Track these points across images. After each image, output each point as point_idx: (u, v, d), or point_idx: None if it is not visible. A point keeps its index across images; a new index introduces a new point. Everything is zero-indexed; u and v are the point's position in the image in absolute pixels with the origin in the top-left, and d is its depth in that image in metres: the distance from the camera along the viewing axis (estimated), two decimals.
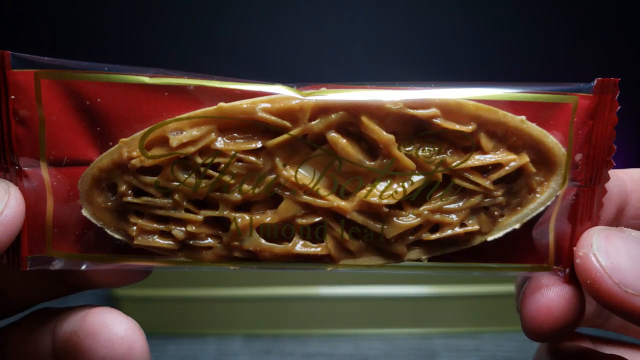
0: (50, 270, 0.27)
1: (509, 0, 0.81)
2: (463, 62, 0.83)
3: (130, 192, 0.25)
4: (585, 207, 0.26)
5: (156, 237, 0.26)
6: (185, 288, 0.80)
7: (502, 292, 0.74)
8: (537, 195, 0.26)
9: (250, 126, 0.25)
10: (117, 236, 0.26)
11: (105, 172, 0.25)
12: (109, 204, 0.26)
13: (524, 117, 0.25)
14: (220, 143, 0.25)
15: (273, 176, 0.25)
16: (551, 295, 0.26)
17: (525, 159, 0.25)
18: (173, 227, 0.26)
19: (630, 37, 0.82)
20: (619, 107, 0.25)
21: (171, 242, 0.26)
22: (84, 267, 0.26)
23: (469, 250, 0.26)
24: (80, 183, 0.25)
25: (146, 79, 0.24)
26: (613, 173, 0.28)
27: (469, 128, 0.25)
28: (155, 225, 0.26)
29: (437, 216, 0.25)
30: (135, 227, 0.26)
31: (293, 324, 0.78)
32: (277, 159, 0.25)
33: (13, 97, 0.24)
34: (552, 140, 0.25)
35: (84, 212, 0.26)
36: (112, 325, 0.25)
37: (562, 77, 0.27)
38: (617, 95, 0.25)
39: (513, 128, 0.25)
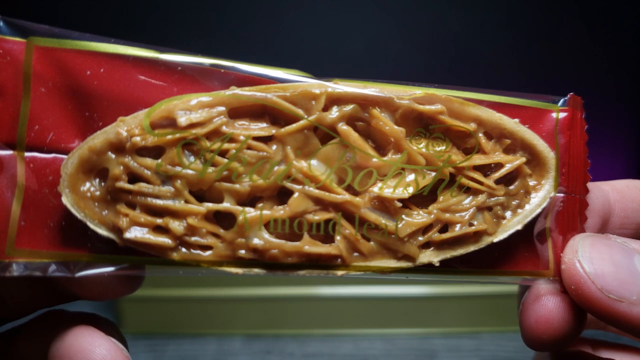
0: (38, 279, 0.23)
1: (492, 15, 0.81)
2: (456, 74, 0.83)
3: (124, 176, 0.22)
4: (571, 214, 0.27)
5: (148, 232, 0.23)
6: (185, 288, 0.80)
7: (502, 292, 0.74)
8: (533, 197, 0.27)
9: (262, 113, 0.24)
10: (101, 231, 0.22)
11: (96, 154, 0.22)
12: (96, 192, 0.22)
13: (517, 120, 0.26)
14: (230, 127, 0.23)
15: (284, 167, 0.24)
16: (550, 305, 0.26)
17: (521, 159, 0.26)
18: (170, 220, 0.23)
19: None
20: (587, 126, 0.28)
21: (166, 239, 0.23)
22: (50, 271, 0.22)
23: (476, 255, 0.26)
24: (64, 165, 0.22)
25: (159, 55, 0.22)
26: (595, 185, 0.29)
27: (471, 126, 0.25)
28: (149, 217, 0.23)
29: (447, 215, 0.25)
30: (126, 219, 0.22)
31: (293, 324, 0.78)
32: (289, 147, 0.24)
33: None
34: (542, 144, 0.26)
35: (64, 200, 0.22)
36: (90, 350, 0.23)
37: (558, 87, 0.29)
38: (583, 114, 0.27)
39: (508, 130, 0.26)
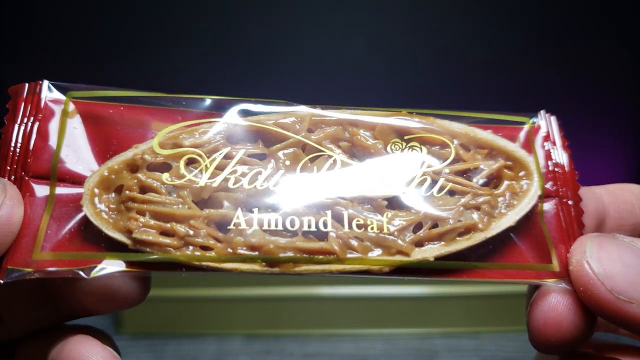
0: (41, 295, 0.26)
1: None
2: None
3: (136, 188, 0.26)
4: (568, 218, 0.28)
5: (156, 234, 0.25)
6: (185, 288, 0.80)
7: (502, 292, 0.74)
8: (521, 196, 0.28)
9: (256, 138, 0.28)
10: (114, 235, 0.25)
11: (114, 173, 0.26)
12: (112, 205, 0.26)
13: (490, 131, 0.29)
14: (228, 147, 0.27)
15: (275, 176, 0.27)
16: (560, 307, 0.26)
17: (501, 162, 0.29)
18: (175, 224, 0.26)
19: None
20: (568, 141, 0.30)
21: (172, 240, 0.25)
22: (71, 274, 0.24)
23: (473, 250, 0.27)
24: (87, 182, 0.26)
25: (165, 93, 0.27)
26: (588, 189, 0.30)
27: (445, 137, 0.28)
28: (156, 222, 0.26)
29: (435, 212, 0.27)
30: (136, 222, 0.25)
31: (293, 324, 0.78)
32: (280, 161, 0.27)
33: (41, 116, 0.26)
34: (518, 149, 0.29)
35: (85, 210, 0.25)
36: (88, 357, 0.24)
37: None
38: (563, 132, 0.30)
39: (483, 140, 0.29)
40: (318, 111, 0.28)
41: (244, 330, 0.79)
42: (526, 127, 0.30)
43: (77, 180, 0.26)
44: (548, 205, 0.28)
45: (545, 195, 0.28)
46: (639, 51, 0.83)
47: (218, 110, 0.28)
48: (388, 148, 0.28)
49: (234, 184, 0.26)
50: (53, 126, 0.26)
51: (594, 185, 0.32)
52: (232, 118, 0.27)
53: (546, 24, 0.82)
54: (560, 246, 0.27)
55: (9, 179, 0.26)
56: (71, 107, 0.27)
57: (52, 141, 0.26)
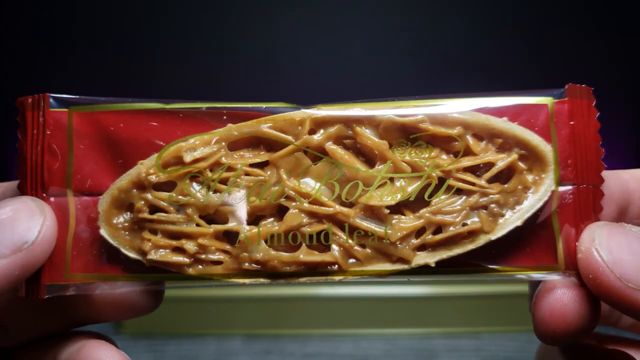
0: (52, 305, 0.27)
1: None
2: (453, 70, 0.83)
3: (146, 208, 0.27)
4: (584, 206, 0.27)
5: (168, 252, 0.27)
6: (185, 288, 0.80)
7: (502, 292, 0.74)
8: (533, 192, 0.27)
9: (257, 143, 0.28)
10: (131, 254, 0.27)
11: (123, 192, 0.27)
12: (125, 223, 0.27)
13: (505, 118, 0.27)
14: (229, 158, 0.27)
15: (278, 187, 0.27)
16: (565, 299, 0.26)
17: (514, 156, 0.27)
18: (185, 241, 0.27)
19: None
20: (598, 113, 0.27)
21: (183, 258, 0.27)
22: (97, 290, 0.27)
23: (476, 253, 0.27)
24: (100, 204, 0.27)
25: (164, 105, 0.27)
26: (614, 173, 0.29)
27: (454, 131, 0.27)
28: (168, 241, 0.27)
29: (438, 217, 0.26)
30: (149, 243, 0.27)
31: (293, 324, 0.78)
32: (282, 170, 0.27)
33: (49, 132, 0.27)
34: (535, 138, 0.27)
35: (102, 232, 0.27)
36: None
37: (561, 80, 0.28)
38: (594, 102, 0.27)
39: (497, 129, 0.27)
40: (319, 112, 0.27)
41: (244, 330, 0.79)
42: (547, 108, 0.27)
43: (90, 194, 0.27)
44: (563, 195, 0.27)
45: (560, 183, 0.27)
46: (638, 50, 0.83)
47: (217, 117, 0.27)
48: (393, 148, 0.27)
49: (240, 199, 0.27)
50: (61, 142, 0.27)
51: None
52: (232, 126, 0.27)
53: (548, 21, 0.82)
54: (569, 236, 0.27)
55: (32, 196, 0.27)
56: (75, 121, 0.27)
57: (63, 158, 0.27)
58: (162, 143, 0.27)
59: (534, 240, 0.27)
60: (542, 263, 0.27)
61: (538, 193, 0.27)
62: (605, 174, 0.28)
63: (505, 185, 0.27)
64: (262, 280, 0.27)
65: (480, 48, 0.84)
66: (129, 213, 0.28)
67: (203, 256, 0.27)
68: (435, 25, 0.83)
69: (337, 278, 0.27)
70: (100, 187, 0.27)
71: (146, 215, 0.27)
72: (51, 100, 0.27)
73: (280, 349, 0.74)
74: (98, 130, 0.27)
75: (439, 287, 0.75)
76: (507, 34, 0.83)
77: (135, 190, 0.27)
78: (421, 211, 0.27)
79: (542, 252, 0.27)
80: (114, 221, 0.27)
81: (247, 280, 0.27)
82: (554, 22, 0.83)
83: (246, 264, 0.27)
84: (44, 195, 0.27)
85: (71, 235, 0.27)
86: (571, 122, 0.27)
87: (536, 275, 0.27)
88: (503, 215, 0.27)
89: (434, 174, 0.27)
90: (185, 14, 0.84)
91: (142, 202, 0.27)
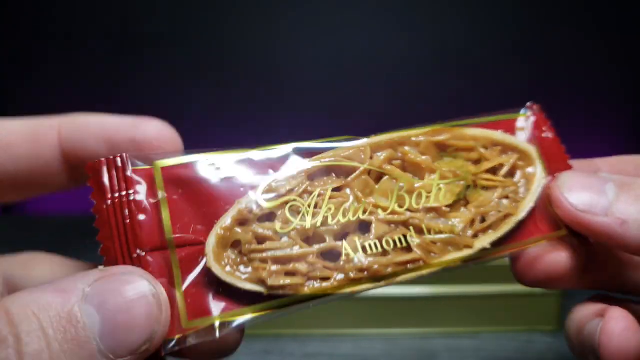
0: None
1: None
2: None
3: (254, 240, 0.29)
4: None
5: (284, 276, 0.29)
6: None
7: (502, 292, 0.74)
8: (533, 182, 0.35)
9: (328, 172, 0.32)
10: (248, 286, 0.29)
11: (228, 230, 0.29)
12: (235, 259, 0.29)
13: (500, 131, 0.36)
14: (313, 187, 0.31)
15: (358, 205, 0.32)
16: (547, 246, 0.33)
17: (514, 157, 0.36)
18: (295, 264, 0.30)
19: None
20: (549, 122, 0.37)
21: (297, 280, 0.29)
22: (220, 332, 0.27)
23: (512, 232, 0.34)
24: (207, 245, 0.29)
25: (252, 151, 0.31)
26: (588, 161, 0.37)
27: (471, 144, 0.35)
28: (280, 266, 0.29)
29: (482, 209, 0.34)
30: (265, 272, 0.29)
31: (293, 324, 0.78)
32: (356, 190, 0.32)
33: (132, 191, 0.28)
34: (522, 142, 0.36)
35: (214, 271, 0.28)
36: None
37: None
38: (544, 115, 0.37)
39: (497, 140, 0.36)
40: (373, 140, 0.33)
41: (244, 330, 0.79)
42: (521, 121, 0.37)
43: (192, 244, 0.29)
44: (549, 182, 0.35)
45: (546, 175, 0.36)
46: (637, 50, 0.83)
47: (285, 155, 0.31)
48: (435, 163, 0.34)
49: (332, 219, 0.31)
50: (151, 198, 0.28)
51: None
52: (312, 160, 0.32)
53: (548, 21, 0.83)
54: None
55: (123, 257, 0.27)
56: (161, 176, 0.29)
57: (156, 213, 0.28)
58: (249, 183, 0.30)
59: (540, 218, 0.35)
60: (551, 231, 0.34)
61: (537, 181, 0.35)
62: (579, 162, 0.36)
63: (514, 179, 0.36)
64: (368, 286, 0.31)
65: (480, 48, 0.84)
66: (234, 249, 0.29)
67: (314, 274, 0.30)
68: (435, 25, 0.83)
69: (424, 272, 0.32)
70: (197, 233, 0.29)
71: (257, 246, 0.29)
72: (129, 158, 0.28)
73: (280, 349, 0.74)
74: (185, 181, 0.29)
75: (439, 287, 0.75)
76: (507, 34, 0.83)
77: (237, 227, 0.29)
78: (468, 206, 0.34)
79: (547, 224, 0.35)
80: (223, 259, 0.29)
81: (354, 288, 0.30)
82: (554, 22, 0.83)
83: (351, 274, 0.30)
84: (142, 253, 0.27)
85: (180, 288, 0.27)
86: (536, 131, 0.37)
87: (547, 241, 0.34)
88: (519, 200, 0.34)
89: (469, 178, 0.34)
90: (185, 14, 0.83)
91: (250, 234, 0.29)
